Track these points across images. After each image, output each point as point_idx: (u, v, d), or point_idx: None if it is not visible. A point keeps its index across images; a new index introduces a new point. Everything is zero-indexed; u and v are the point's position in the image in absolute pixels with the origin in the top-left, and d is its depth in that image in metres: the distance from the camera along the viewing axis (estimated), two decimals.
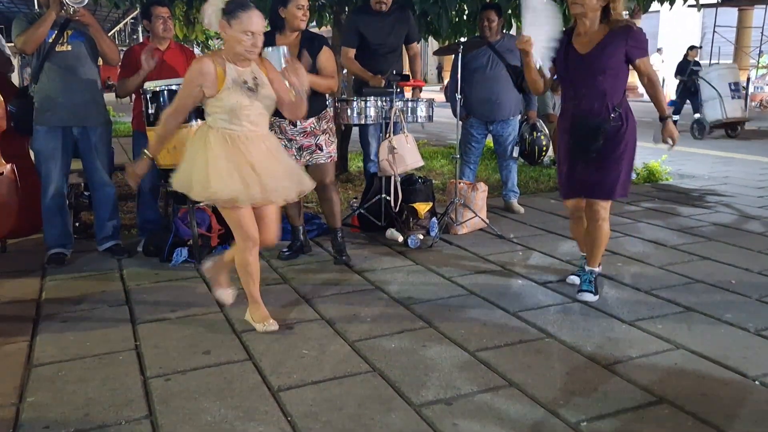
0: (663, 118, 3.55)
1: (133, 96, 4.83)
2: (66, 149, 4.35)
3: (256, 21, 2.98)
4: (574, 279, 3.90)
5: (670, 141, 3.54)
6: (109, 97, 5.98)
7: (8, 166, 4.53)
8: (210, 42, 22.16)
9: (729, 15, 19.20)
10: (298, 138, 4.19)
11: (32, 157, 4.70)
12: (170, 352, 3.06)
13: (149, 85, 4.24)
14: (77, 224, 5.14)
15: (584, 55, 3.40)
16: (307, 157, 4.23)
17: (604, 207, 3.55)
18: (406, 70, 5.46)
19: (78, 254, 4.57)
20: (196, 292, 3.91)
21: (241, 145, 3.06)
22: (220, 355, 3.02)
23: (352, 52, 5.29)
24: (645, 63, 3.44)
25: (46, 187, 4.34)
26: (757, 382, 2.71)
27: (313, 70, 4.09)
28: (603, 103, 3.41)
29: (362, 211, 5.17)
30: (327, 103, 4.36)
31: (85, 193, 5.22)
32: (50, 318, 3.50)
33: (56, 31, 4.17)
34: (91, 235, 4.76)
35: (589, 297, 3.63)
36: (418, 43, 5.77)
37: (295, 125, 4.14)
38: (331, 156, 4.29)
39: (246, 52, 3.02)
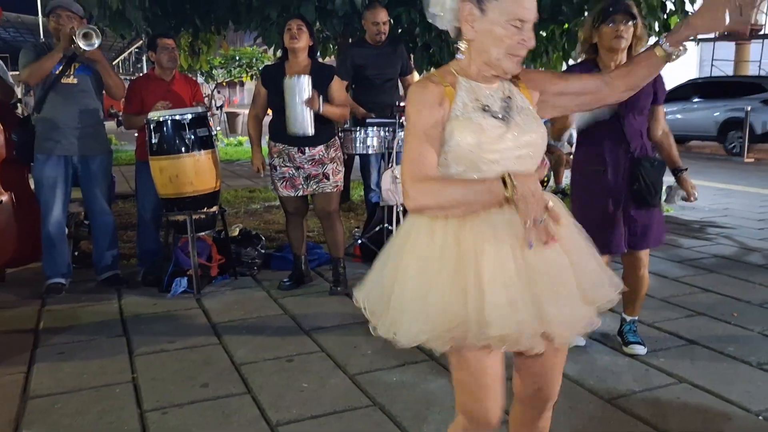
0: (679, 171, 3.38)
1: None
2: (66, 178, 4.36)
3: (528, 1, 1.68)
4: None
5: (694, 194, 3.38)
6: (111, 125, 6.01)
7: (6, 194, 4.53)
8: (214, 72, 22.38)
9: (727, 49, 19.41)
10: (306, 166, 4.20)
11: (31, 186, 4.71)
12: (167, 384, 3.03)
13: (153, 115, 4.27)
14: (76, 253, 5.12)
15: None
16: (314, 186, 4.25)
17: (648, 254, 3.39)
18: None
19: (76, 284, 4.55)
20: (194, 322, 3.88)
21: (489, 225, 1.67)
22: (218, 388, 2.99)
23: (344, 84, 5.36)
24: (662, 110, 3.33)
25: (45, 216, 4.33)
26: (760, 417, 2.68)
27: (324, 99, 4.14)
28: (642, 143, 3.24)
29: (364, 240, 5.16)
30: (335, 131, 4.40)
31: (85, 222, 5.22)
32: (47, 348, 3.47)
33: (63, 63, 4.22)
34: (90, 264, 4.74)
35: (640, 350, 3.36)
36: (420, 74, 5.85)
37: (304, 153, 4.17)
38: (337, 185, 4.31)
39: (510, 60, 1.71)
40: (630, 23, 3.07)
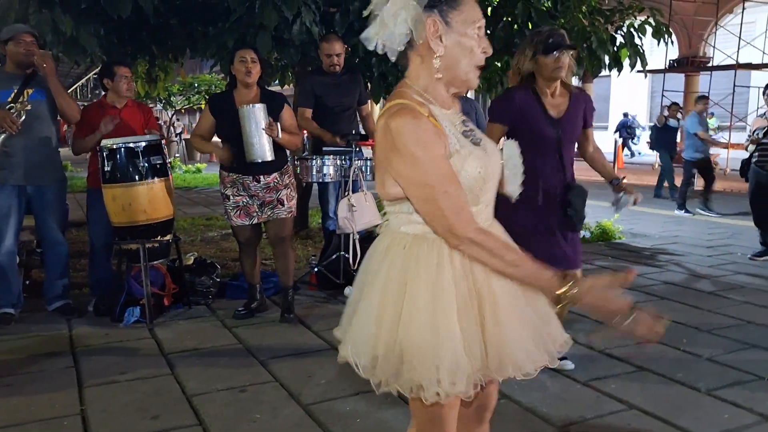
0: (617, 180, 3.51)
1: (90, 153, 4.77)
2: (19, 208, 4.27)
3: (478, 8, 1.64)
4: None
5: (639, 196, 3.45)
6: (66, 152, 5.91)
7: None
8: (173, 99, 22.17)
9: (677, 80, 20.04)
10: (260, 194, 4.20)
11: None
12: (117, 416, 2.97)
13: (106, 143, 4.22)
14: (27, 282, 4.99)
15: (560, 120, 3.27)
16: (269, 213, 4.24)
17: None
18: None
19: (26, 314, 4.43)
20: (147, 353, 3.81)
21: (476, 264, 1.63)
22: (169, 420, 2.93)
23: (309, 112, 5.38)
24: (592, 131, 3.51)
25: None
26: None
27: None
28: (571, 171, 3.36)
29: (321, 268, 5.15)
30: (288, 158, 4.41)
31: (37, 250, 5.11)
32: None
33: (16, 90, 4.15)
34: (41, 293, 4.63)
35: (569, 365, 3.53)
36: (377, 103, 5.89)
37: (259, 181, 4.17)
38: (291, 210, 4.32)
39: (475, 73, 1.65)
40: (566, 53, 3.21)
